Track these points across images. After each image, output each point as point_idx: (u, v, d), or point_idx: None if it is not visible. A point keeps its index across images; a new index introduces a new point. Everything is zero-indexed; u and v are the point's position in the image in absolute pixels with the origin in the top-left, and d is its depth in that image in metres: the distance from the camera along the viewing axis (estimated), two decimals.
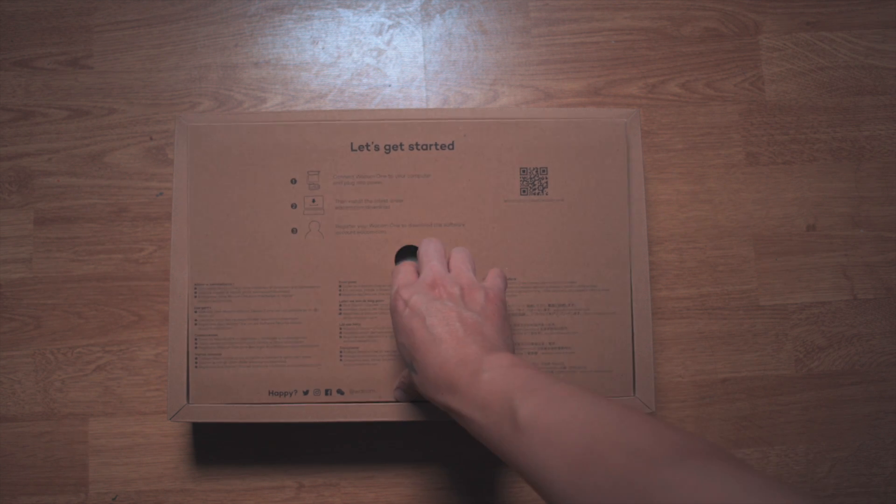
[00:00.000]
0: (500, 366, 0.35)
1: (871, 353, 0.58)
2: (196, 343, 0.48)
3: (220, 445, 0.56)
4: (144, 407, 0.56)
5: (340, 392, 0.48)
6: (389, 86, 0.60)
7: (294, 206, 0.48)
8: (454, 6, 0.61)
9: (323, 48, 0.60)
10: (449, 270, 0.43)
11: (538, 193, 0.49)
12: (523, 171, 0.49)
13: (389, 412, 0.48)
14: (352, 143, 0.48)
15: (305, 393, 0.48)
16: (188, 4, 0.60)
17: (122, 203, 0.58)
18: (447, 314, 0.39)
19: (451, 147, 0.49)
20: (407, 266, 0.44)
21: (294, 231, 0.48)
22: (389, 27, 0.60)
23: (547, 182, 0.49)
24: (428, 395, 0.39)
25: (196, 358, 0.48)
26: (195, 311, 0.48)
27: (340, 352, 0.48)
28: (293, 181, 0.48)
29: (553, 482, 0.30)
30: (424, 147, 0.49)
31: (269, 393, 0.48)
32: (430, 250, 0.43)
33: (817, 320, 0.58)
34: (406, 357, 0.40)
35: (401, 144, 0.48)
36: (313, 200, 0.48)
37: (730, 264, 0.58)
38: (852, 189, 0.59)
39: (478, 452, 0.56)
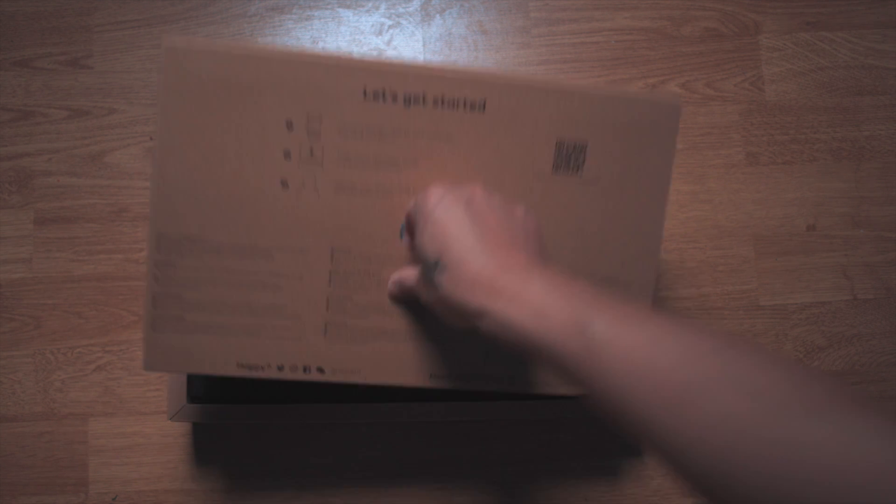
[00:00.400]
0: (557, 276, 0.30)
1: (871, 353, 0.57)
2: (155, 303, 0.40)
3: (220, 445, 0.56)
4: (144, 407, 0.56)
5: (321, 370, 0.42)
6: None
7: (287, 154, 0.40)
8: (454, 6, 0.61)
9: (323, 48, 0.60)
10: None
11: (572, 172, 0.43)
12: (559, 146, 0.42)
13: (389, 412, 0.48)
14: (365, 89, 0.40)
15: (280, 368, 0.42)
16: (188, 4, 0.60)
17: (122, 203, 0.58)
18: (490, 216, 0.33)
19: (481, 108, 0.41)
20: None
21: (284, 185, 0.40)
22: (389, 27, 0.60)
23: (584, 160, 0.43)
24: (455, 297, 0.32)
25: (154, 320, 0.40)
26: (156, 267, 0.40)
27: (325, 326, 0.42)
28: (289, 125, 0.40)
29: (646, 421, 0.25)
30: (451, 104, 0.41)
31: (238, 365, 0.42)
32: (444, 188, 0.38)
33: (817, 320, 0.58)
34: (431, 253, 0.33)
35: (423, 97, 0.40)
36: (311, 151, 0.40)
37: (730, 264, 0.58)
38: (852, 189, 0.59)
39: (478, 452, 0.56)
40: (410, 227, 0.38)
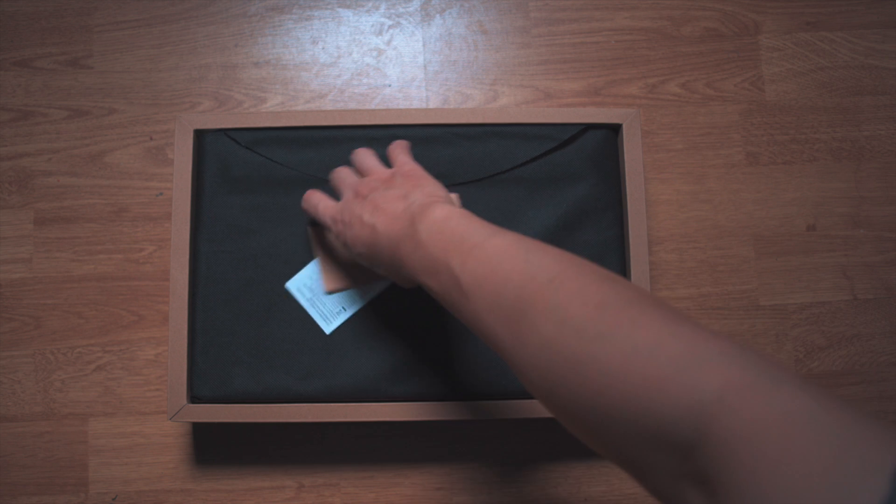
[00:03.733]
0: (434, 222, 0.36)
1: (871, 353, 0.57)
2: None
3: (220, 445, 0.56)
4: (144, 407, 0.56)
5: None
6: (389, 86, 0.60)
7: None
8: (454, 6, 0.61)
9: (323, 48, 0.60)
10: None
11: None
12: None
13: (389, 412, 0.48)
14: None
15: None
16: (188, 4, 0.60)
17: (122, 203, 0.58)
18: (372, 205, 0.40)
19: None
20: (318, 195, 0.46)
21: None
22: (389, 27, 0.60)
23: None
24: (406, 285, 0.41)
25: None
26: None
27: None
28: None
29: (498, 345, 0.31)
30: None
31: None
32: (361, 159, 0.46)
33: (817, 320, 0.58)
34: (372, 264, 0.41)
35: None
36: None
37: (730, 264, 0.58)
38: (852, 189, 0.59)
39: (478, 452, 0.56)
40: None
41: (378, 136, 0.51)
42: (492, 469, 0.56)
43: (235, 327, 0.49)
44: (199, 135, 0.51)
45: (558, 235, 0.50)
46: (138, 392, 0.56)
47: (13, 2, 0.60)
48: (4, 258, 0.57)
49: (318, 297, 0.50)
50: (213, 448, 0.56)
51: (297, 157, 0.51)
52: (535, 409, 0.48)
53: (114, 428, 0.56)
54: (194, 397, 0.49)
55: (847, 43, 0.60)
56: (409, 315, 0.50)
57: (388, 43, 0.60)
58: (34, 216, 0.58)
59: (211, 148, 0.51)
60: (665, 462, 0.24)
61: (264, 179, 0.51)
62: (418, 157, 0.51)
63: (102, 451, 0.55)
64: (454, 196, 0.50)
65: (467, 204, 0.51)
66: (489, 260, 0.32)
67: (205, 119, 0.51)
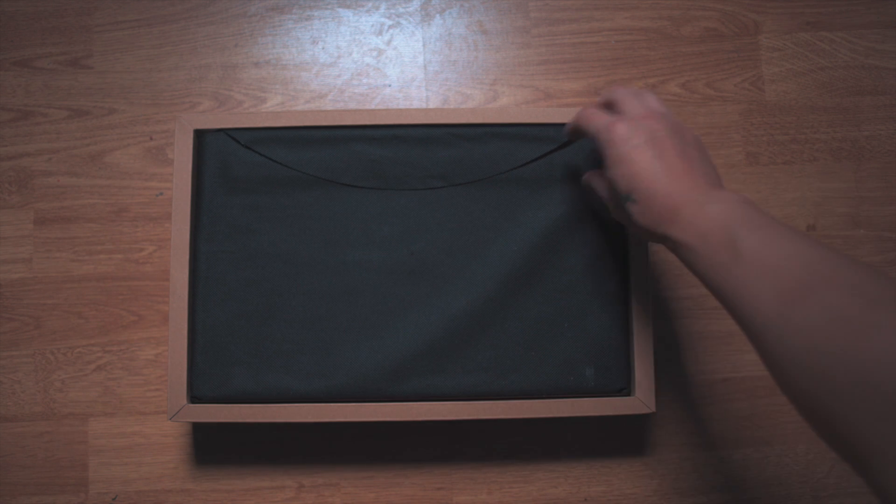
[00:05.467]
0: (728, 200, 0.36)
1: None
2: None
3: (220, 445, 0.56)
4: (144, 407, 0.56)
5: None
6: (389, 86, 0.60)
7: None
8: (454, 6, 0.61)
9: (323, 48, 0.60)
10: None
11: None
12: None
13: (390, 412, 0.48)
14: None
15: None
16: (188, 4, 0.60)
17: (122, 203, 0.58)
18: (671, 146, 0.39)
19: None
20: (595, 109, 0.44)
21: None
22: (389, 27, 0.60)
23: None
24: (646, 224, 0.39)
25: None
26: None
27: None
28: None
29: (759, 311, 0.31)
30: None
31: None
32: (624, 91, 0.44)
33: None
34: (623, 187, 0.40)
35: None
36: None
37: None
38: (852, 189, 0.59)
39: (478, 452, 0.56)
40: (579, 133, 0.45)
41: (378, 136, 0.51)
42: (492, 469, 0.56)
43: (235, 327, 0.49)
44: (199, 135, 0.51)
45: (558, 236, 0.50)
46: (138, 392, 0.56)
47: (13, 2, 0.60)
48: (4, 258, 0.57)
49: None
50: (213, 448, 0.56)
51: (297, 157, 0.51)
52: (536, 409, 0.48)
53: (114, 428, 0.56)
54: (194, 397, 0.49)
55: (847, 43, 0.60)
56: (409, 315, 0.50)
57: (388, 43, 0.60)
58: (34, 216, 0.58)
59: (210, 148, 0.51)
60: None
61: (264, 179, 0.51)
62: (418, 157, 0.51)
63: (102, 451, 0.55)
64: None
65: (467, 204, 0.51)
66: (778, 234, 0.32)
67: (205, 119, 0.51)
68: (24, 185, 0.58)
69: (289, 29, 0.60)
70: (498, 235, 0.50)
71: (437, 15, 0.60)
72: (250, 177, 0.51)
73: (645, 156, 0.39)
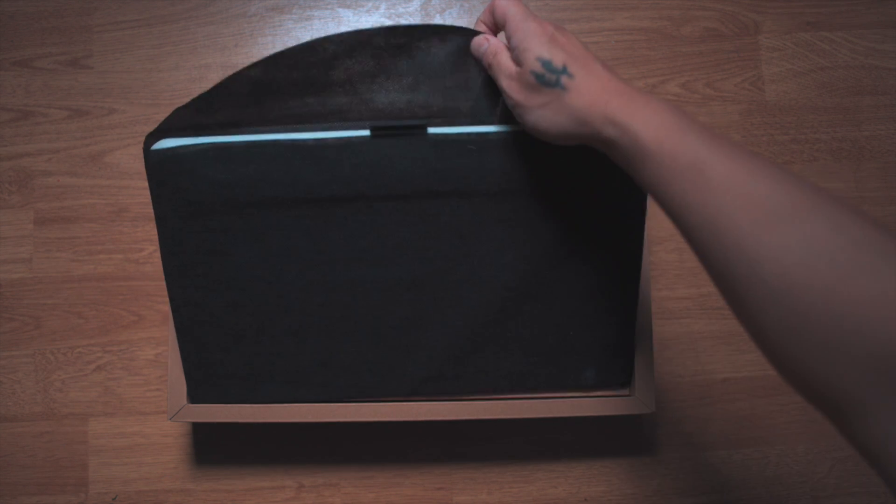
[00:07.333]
0: (665, 102, 0.33)
1: None
2: None
3: (220, 445, 0.56)
4: (144, 407, 0.56)
5: None
6: None
7: None
8: (454, 6, 0.61)
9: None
10: None
11: None
12: None
13: (390, 412, 0.48)
14: None
15: None
16: (188, 4, 0.60)
17: (122, 203, 0.58)
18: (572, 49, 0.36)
19: None
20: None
21: None
22: None
23: None
24: (582, 101, 0.34)
25: None
26: None
27: None
28: None
29: (728, 231, 0.28)
30: None
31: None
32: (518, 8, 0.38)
33: None
34: (555, 60, 0.35)
35: None
36: None
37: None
38: (852, 189, 0.59)
39: (478, 452, 0.56)
40: (495, 28, 0.40)
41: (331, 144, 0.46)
42: (492, 469, 0.56)
43: (226, 347, 0.48)
44: (153, 156, 0.44)
45: (557, 244, 0.50)
46: (138, 392, 0.56)
47: (13, 2, 0.60)
48: (4, 258, 0.57)
49: None
50: (213, 448, 0.56)
51: (266, 173, 0.45)
52: (536, 409, 0.48)
53: (114, 428, 0.56)
54: (194, 397, 0.49)
55: (847, 43, 0.60)
56: (409, 315, 0.50)
57: None
58: (34, 216, 0.58)
59: (163, 167, 0.45)
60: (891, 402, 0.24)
61: (229, 200, 0.45)
62: (418, 160, 0.49)
63: (102, 451, 0.55)
64: None
65: (450, 220, 0.48)
66: (736, 155, 0.30)
67: None
68: (24, 185, 0.58)
69: (289, 29, 0.60)
70: (490, 245, 0.47)
71: (437, 15, 0.60)
72: (213, 199, 0.45)
73: (578, 43, 0.36)
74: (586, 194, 0.46)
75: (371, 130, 0.44)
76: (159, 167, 0.45)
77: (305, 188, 0.45)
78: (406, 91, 0.44)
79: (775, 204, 0.28)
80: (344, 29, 0.60)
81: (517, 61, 0.37)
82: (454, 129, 0.44)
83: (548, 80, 0.35)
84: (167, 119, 0.44)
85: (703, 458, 0.56)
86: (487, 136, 0.44)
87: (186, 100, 0.59)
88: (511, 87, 0.37)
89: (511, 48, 0.37)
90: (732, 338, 0.57)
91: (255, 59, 0.60)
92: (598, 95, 0.34)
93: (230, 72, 0.59)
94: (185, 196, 0.45)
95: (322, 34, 0.60)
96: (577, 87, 0.34)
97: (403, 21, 0.60)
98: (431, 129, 0.44)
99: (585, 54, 0.35)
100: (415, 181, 0.45)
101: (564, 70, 0.35)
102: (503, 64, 0.38)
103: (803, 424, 0.57)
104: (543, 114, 0.36)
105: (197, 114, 0.44)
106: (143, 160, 0.59)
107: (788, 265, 0.26)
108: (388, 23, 0.60)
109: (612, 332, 0.49)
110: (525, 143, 0.44)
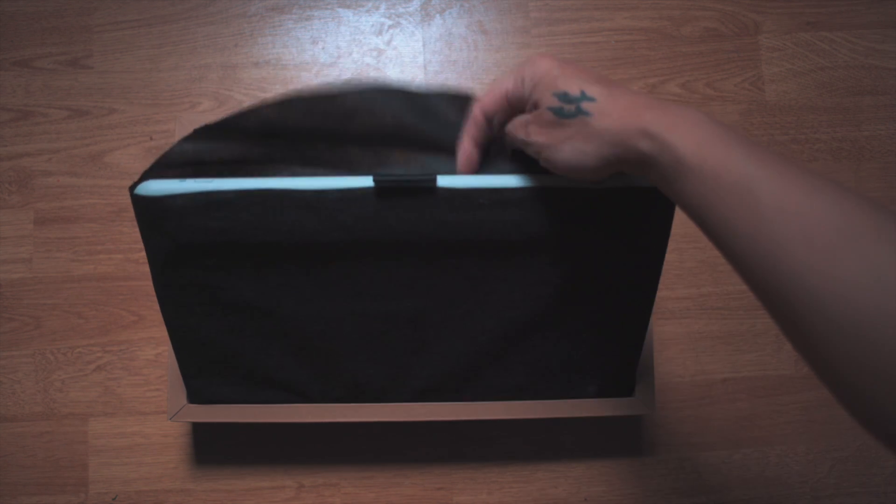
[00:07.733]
0: (700, 111, 0.30)
1: None
2: None
3: (220, 445, 0.56)
4: (144, 407, 0.56)
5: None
6: None
7: None
8: (454, 6, 0.61)
9: (323, 48, 0.60)
10: None
11: None
12: None
13: (390, 412, 0.48)
14: None
15: None
16: (188, 4, 0.60)
17: (122, 203, 0.58)
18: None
19: None
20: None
21: None
22: (389, 27, 0.60)
23: None
24: (610, 120, 0.32)
25: None
26: None
27: None
28: None
29: (781, 260, 0.26)
30: None
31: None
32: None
33: None
34: (571, 89, 0.33)
35: None
36: None
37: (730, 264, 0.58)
38: (852, 189, 0.59)
39: (478, 452, 0.56)
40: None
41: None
42: (492, 469, 0.56)
43: (223, 365, 0.47)
44: (134, 199, 0.41)
45: (571, 279, 0.49)
46: (138, 392, 0.56)
47: (13, 2, 0.60)
48: (4, 258, 0.57)
49: None
50: (213, 448, 0.56)
51: (241, 219, 0.42)
52: (536, 409, 0.48)
53: (114, 428, 0.56)
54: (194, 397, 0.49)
55: (847, 43, 0.60)
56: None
57: (388, 43, 0.60)
58: (34, 216, 0.58)
59: (144, 216, 0.42)
60: None
61: (224, 246, 0.43)
62: (426, 213, 0.44)
63: (102, 451, 0.55)
64: None
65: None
66: (784, 164, 0.27)
67: (205, 119, 0.50)
68: (24, 185, 0.58)
69: (289, 29, 0.60)
70: (497, 285, 0.45)
71: (437, 15, 0.60)
72: (204, 241, 0.42)
73: (577, 63, 0.34)
74: (602, 243, 0.44)
75: (376, 183, 0.40)
76: (146, 210, 0.42)
77: (303, 235, 0.42)
78: (422, 152, 0.42)
79: (835, 229, 0.25)
80: (344, 29, 0.60)
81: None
82: (465, 183, 0.41)
83: (567, 111, 0.33)
84: (168, 152, 0.41)
85: (703, 458, 0.56)
86: (501, 191, 0.41)
87: (186, 100, 0.59)
88: (532, 132, 0.35)
89: (532, 107, 0.36)
90: (732, 338, 0.57)
91: (255, 60, 0.60)
92: (626, 111, 0.31)
93: (230, 72, 0.59)
94: (175, 239, 0.43)
95: (322, 34, 0.60)
96: (601, 110, 0.32)
97: (403, 21, 0.60)
98: (441, 182, 0.40)
99: (600, 76, 0.33)
100: (421, 232, 0.42)
101: (583, 96, 0.32)
102: (517, 120, 0.37)
103: (803, 424, 0.57)
104: (573, 146, 0.33)
105: (201, 147, 0.42)
106: (143, 160, 0.59)
107: (855, 299, 0.24)
108: (388, 23, 0.60)
109: (618, 358, 0.48)
110: (540, 197, 0.42)
